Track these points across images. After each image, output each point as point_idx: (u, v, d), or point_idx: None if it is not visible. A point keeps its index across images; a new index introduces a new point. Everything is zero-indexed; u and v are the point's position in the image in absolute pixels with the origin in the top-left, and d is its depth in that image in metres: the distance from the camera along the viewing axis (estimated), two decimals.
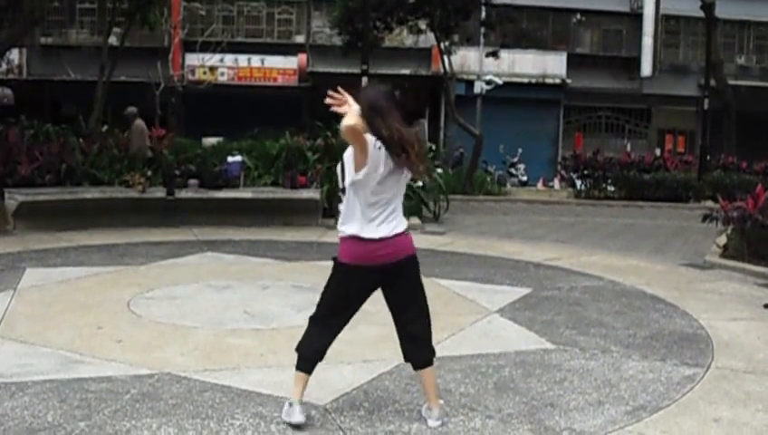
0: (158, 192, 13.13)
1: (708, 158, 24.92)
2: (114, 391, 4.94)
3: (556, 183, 27.95)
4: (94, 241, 11.25)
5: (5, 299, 7.42)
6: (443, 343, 6.22)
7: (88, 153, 13.99)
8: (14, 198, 12.18)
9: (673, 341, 6.51)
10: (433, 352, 4.57)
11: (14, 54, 25.62)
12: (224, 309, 7.29)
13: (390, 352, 5.56)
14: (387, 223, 4.36)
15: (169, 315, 6.99)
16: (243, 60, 28.98)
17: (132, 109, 16.04)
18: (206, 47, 26.22)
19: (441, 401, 4.64)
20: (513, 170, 28.75)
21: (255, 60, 29.18)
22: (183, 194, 13.18)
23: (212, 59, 26.78)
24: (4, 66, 23.91)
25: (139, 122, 15.70)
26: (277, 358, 5.65)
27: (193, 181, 13.41)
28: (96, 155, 14.02)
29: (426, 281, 8.69)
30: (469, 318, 7.12)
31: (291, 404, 4.42)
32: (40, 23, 16.79)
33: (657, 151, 30.42)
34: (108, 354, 5.73)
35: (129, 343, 6.09)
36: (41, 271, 8.94)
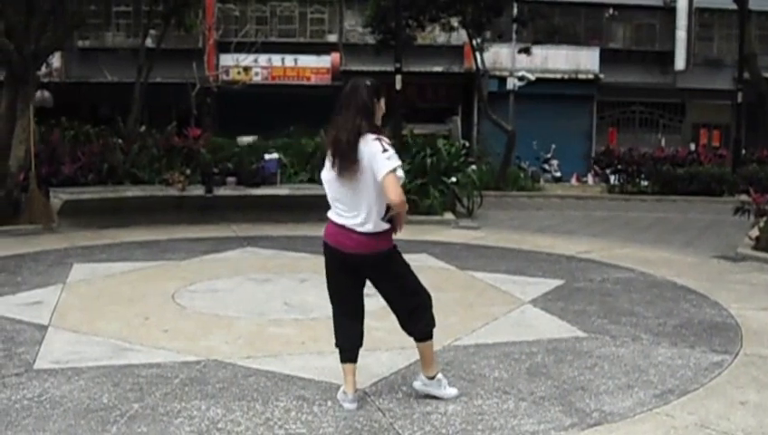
0: (197, 190, 13.45)
1: (743, 151, 24.78)
2: (164, 376, 5.21)
3: (590, 178, 27.95)
4: (136, 238, 11.58)
5: (56, 292, 7.75)
6: (477, 332, 6.45)
7: (128, 153, 14.35)
8: (58, 197, 12.58)
9: (702, 329, 6.64)
10: (428, 329, 4.78)
11: (54, 58, 26.08)
12: (264, 301, 7.56)
13: None
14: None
15: (212, 307, 7.27)
16: (276, 60, 29.31)
17: None
18: (241, 48, 26.53)
19: (440, 376, 4.85)
20: (546, 166, 28.77)
21: (289, 59, 29.51)
22: (221, 191, 13.49)
23: (246, 59, 27.09)
24: (44, 69, 24.40)
25: None
26: (317, 346, 5.87)
27: (231, 179, 13.73)
28: (136, 154, 14.38)
29: (460, 273, 8.91)
30: (503, 308, 7.31)
31: (345, 392, 4.70)
32: (81, 26, 17.14)
33: (692, 146, 30.27)
34: (156, 343, 6.01)
35: (175, 332, 6.37)
36: (87, 266, 9.27)
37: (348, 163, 4.46)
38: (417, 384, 4.85)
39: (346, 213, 4.59)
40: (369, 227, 4.53)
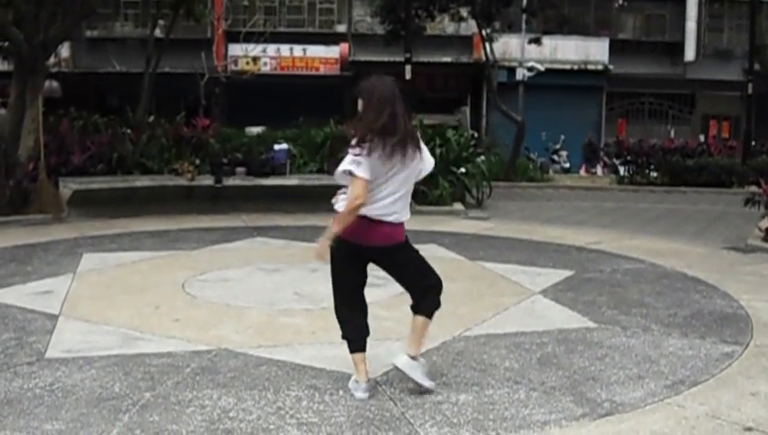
0: (207, 180, 13.48)
1: (753, 142, 24.67)
2: (175, 365, 5.22)
3: (599, 169, 27.89)
4: (146, 227, 11.61)
5: (67, 282, 7.77)
6: (488, 322, 6.45)
7: (137, 143, 14.37)
8: (67, 187, 12.62)
9: (713, 320, 6.62)
10: (434, 308, 4.79)
11: (63, 48, 26.12)
12: (275, 290, 7.56)
13: (437, 330, 5.76)
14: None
15: (223, 296, 7.28)
16: (285, 50, 29.34)
17: None
18: (249, 38, 26.51)
19: (423, 361, 4.82)
20: (555, 157, 28.72)
21: (297, 49, 29.52)
22: (231, 181, 13.52)
23: (255, 49, 27.08)
24: (53, 59, 24.43)
25: None
26: (328, 335, 5.85)
27: (240, 169, 13.75)
28: (145, 144, 14.40)
29: (470, 264, 8.90)
30: (513, 299, 7.30)
31: (357, 381, 4.70)
32: (89, 16, 17.15)
33: (702, 137, 30.17)
34: (166, 332, 6.02)
35: (185, 321, 6.38)
36: (97, 256, 9.30)
37: (414, 150, 4.57)
38: (401, 361, 4.70)
39: (394, 202, 4.58)
40: (398, 217, 4.61)
